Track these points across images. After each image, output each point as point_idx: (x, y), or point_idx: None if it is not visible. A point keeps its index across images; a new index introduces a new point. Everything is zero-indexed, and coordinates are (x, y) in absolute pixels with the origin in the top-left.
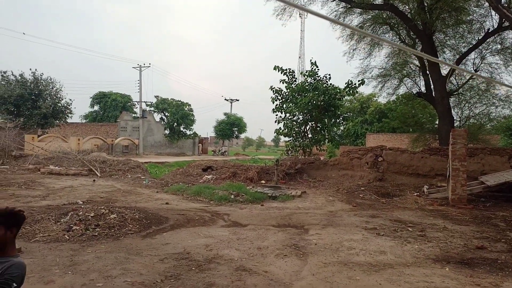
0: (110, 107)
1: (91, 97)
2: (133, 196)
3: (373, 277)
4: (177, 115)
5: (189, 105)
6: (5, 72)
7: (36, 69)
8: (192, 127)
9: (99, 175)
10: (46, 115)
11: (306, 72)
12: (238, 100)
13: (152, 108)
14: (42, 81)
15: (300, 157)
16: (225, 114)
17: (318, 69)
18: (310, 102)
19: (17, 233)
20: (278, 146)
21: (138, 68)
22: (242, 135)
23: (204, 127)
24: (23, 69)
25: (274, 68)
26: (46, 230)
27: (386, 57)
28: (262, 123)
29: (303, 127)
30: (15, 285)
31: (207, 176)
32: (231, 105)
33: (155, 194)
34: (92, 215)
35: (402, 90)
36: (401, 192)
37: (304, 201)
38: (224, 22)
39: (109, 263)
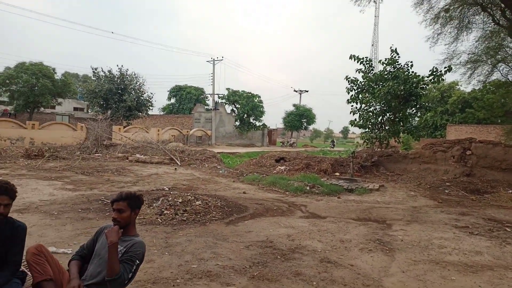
0: (185, 99)
1: (168, 91)
2: (212, 184)
3: (470, 278)
4: (247, 106)
5: (259, 96)
6: (96, 69)
7: (122, 65)
8: (261, 118)
9: (179, 163)
10: (130, 108)
11: (385, 60)
12: (307, 91)
13: (223, 100)
14: (127, 76)
15: (376, 149)
16: (294, 105)
17: (398, 57)
18: (389, 91)
19: (137, 215)
20: (347, 138)
21: (212, 62)
22: (311, 127)
23: (273, 118)
24: (111, 65)
25: (350, 57)
26: (141, 213)
27: (476, 41)
28: (331, 114)
29: (380, 118)
30: (138, 262)
31: (280, 167)
32: (300, 96)
33: (232, 183)
34: (180, 201)
35: (495, 77)
36: (493, 188)
37: (383, 195)
38: (294, 12)
39: (200, 246)
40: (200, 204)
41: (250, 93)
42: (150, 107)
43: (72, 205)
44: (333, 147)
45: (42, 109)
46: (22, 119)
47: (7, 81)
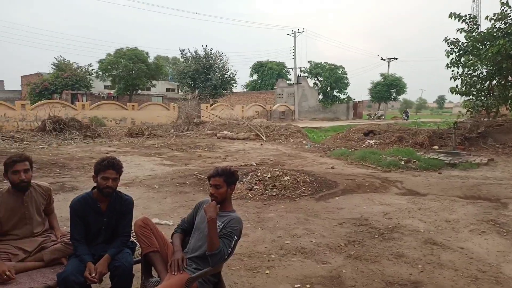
0: (267, 75)
1: (250, 67)
2: (299, 159)
3: None
4: (330, 79)
5: (343, 68)
6: (183, 50)
7: (206, 45)
8: (345, 90)
9: (264, 139)
10: (216, 86)
11: (493, 16)
12: (396, 59)
13: (305, 74)
14: (211, 55)
15: (483, 119)
16: (381, 75)
17: (511, 10)
18: (499, 51)
19: (233, 190)
20: (443, 108)
21: (292, 35)
22: (400, 97)
23: (358, 90)
24: (197, 45)
25: (450, 16)
26: None
27: None
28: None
29: (488, 83)
30: (236, 238)
31: (369, 141)
32: (388, 65)
33: (318, 158)
34: (268, 176)
35: None
36: None
37: (493, 170)
38: None
39: (292, 222)
40: (288, 180)
41: (333, 64)
42: (234, 85)
43: (170, 179)
44: (406, 119)
45: (139, 91)
46: (123, 101)
47: (109, 67)
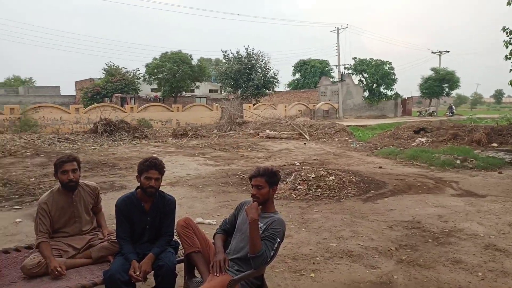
0: (309, 73)
1: (292, 66)
2: (344, 159)
3: None
4: (376, 75)
5: (390, 63)
6: (225, 51)
7: (248, 45)
8: (393, 87)
9: (308, 138)
10: (258, 86)
11: None
12: (448, 52)
13: (350, 71)
14: (253, 55)
15: None
16: (432, 69)
17: None
18: None
19: (275, 191)
20: (501, 103)
21: (336, 31)
22: (453, 92)
23: (406, 86)
24: (239, 46)
25: (508, 3)
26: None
27: None
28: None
29: None
30: (279, 240)
31: (420, 139)
32: (439, 58)
33: (365, 157)
34: (312, 176)
35: None
36: None
37: None
38: None
39: (337, 224)
40: (333, 180)
41: (379, 60)
42: (276, 84)
43: (213, 179)
44: (451, 115)
45: (183, 93)
46: (169, 103)
47: (155, 70)
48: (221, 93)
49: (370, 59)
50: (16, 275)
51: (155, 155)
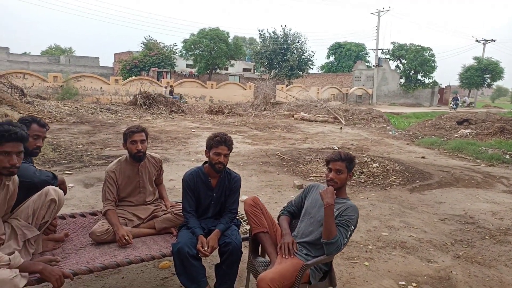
0: (344, 57)
1: (327, 48)
2: (383, 146)
3: None
4: (415, 61)
5: (430, 50)
6: (261, 31)
7: (285, 25)
8: (431, 75)
9: (343, 123)
10: (292, 67)
11: None
12: (494, 41)
13: (387, 56)
14: (290, 35)
15: None
16: (475, 58)
17: None
18: None
19: (351, 177)
20: None
21: (377, 13)
22: (495, 84)
23: (446, 74)
24: (275, 26)
25: None
26: (317, 171)
27: None
28: None
29: None
30: (353, 227)
31: (463, 131)
32: (483, 47)
33: (405, 146)
34: (356, 161)
35: None
36: None
37: None
38: None
39: (386, 213)
40: (377, 167)
41: (419, 46)
42: (311, 66)
43: (253, 157)
44: (455, 108)
45: (218, 70)
46: (203, 80)
47: (192, 46)
48: (254, 72)
49: (410, 44)
50: (84, 240)
51: (193, 130)
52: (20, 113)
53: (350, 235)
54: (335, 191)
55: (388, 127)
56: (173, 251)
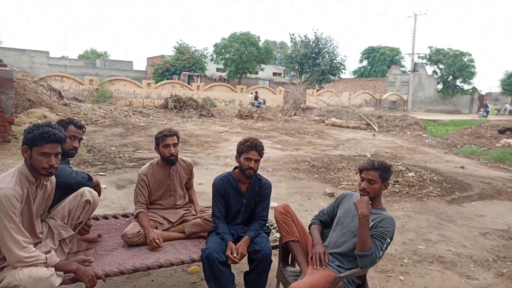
0: (378, 61)
1: (360, 53)
2: (419, 154)
3: None
4: (453, 67)
5: (470, 54)
6: (293, 34)
7: (317, 29)
8: (471, 81)
9: (377, 129)
10: (324, 72)
11: None
12: None
13: (424, 61)
14: (322, 39)
15: None
16: None
17: None
18: None
19: (386, 188)
20: None
21: (413, 17)
22: None
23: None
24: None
25: None
26: (349, 179)
27: None
28: None
29: None
30: (389, 240)
31: (506, 140)
32: None
33: (443, 155)
34: (392, 171)
35: None
36: None
37: None
38: None
39: (423, 225)
40: (413, 176)
41: (457, 50)
42: (343, 71)
43: (283, 163)
44: (485, 116)
45: (248, 74)
46: (233, 84)
47: (223, 50)
48: (284, 76)
49: (448, 49)
50: (116, 242)
51: (223, 134)
52: (58, 114)
53: (386, 248)
54: (370, 202)
55: (424, 135)
56: (203, 256)
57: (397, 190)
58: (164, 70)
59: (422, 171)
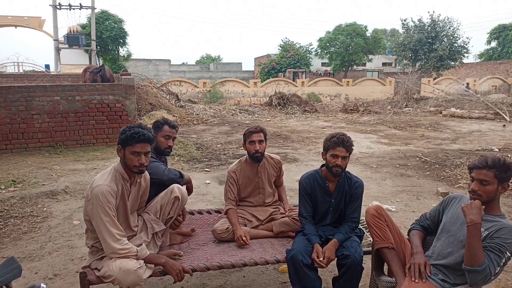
0: (510, 41)
1: (488, 33)
2: None
3: None
4: None
5: None
6: (405, 20)
7: (433, 11)
8: None
9: (508, 119)
10: (442, 57)
11: None
12: None
13: None
14: (439, 22)
15: None
16: None
17: None
18: None
19: (506, 190)
20: None
21: None
22: None
23: None
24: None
25: None
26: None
27: None
28: None
29: None
30: (509, 254)
31: None
32: None
33: None
34: None
35: None
36: None
37: None
38: None
39: None
40: None
41: None
42: (465, 55)
43: (389, 159)
44: None
45: (354, 67)
46: (339, 77)
47: (327, 44)
48: (395, 66)
49: None
50: (207, 237)
51: (325, 130)
52: (174, 115)
53: (505, 263)
54: (483, 206)
55: None
56: (287, 258)
57: None
58: (270, 69)
59: None
